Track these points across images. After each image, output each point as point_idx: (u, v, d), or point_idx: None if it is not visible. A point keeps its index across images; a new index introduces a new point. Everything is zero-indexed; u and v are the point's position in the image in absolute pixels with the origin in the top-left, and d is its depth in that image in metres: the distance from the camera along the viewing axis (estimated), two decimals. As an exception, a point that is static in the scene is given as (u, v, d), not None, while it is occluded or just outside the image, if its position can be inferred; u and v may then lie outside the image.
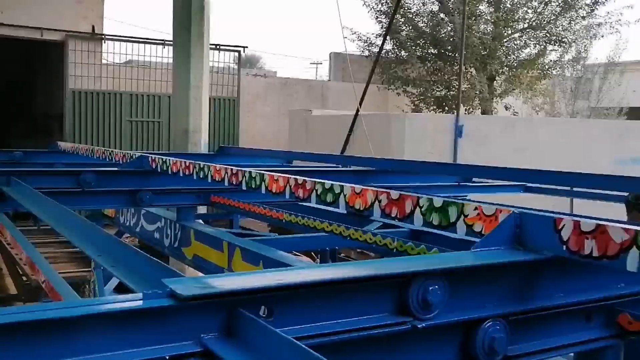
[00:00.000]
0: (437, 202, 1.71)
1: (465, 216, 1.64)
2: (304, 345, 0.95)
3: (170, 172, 3.32)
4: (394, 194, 1.85)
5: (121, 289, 4.94)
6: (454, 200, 1.72)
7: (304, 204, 3.86)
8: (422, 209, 1.74)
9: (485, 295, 1.37)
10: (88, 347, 1.00)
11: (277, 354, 0.97)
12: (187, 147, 7.55)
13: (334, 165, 5.33)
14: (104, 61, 12.35)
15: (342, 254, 7.29)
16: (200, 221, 4.19)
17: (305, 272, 1.23)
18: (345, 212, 3.53)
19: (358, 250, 8.64)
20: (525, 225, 1.47)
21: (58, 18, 11.86)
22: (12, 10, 11.43)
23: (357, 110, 11.46)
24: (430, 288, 1.24)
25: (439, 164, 5.51)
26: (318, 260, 5.24)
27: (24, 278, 7.61)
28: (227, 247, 3.24)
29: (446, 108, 16.44)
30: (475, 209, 1.61)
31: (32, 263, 2.19)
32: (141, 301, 1.02)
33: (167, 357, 1.03)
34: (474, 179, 4.50)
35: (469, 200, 3.48)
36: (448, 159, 10.83)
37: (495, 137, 11.60)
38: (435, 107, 16.71)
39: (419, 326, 1.23)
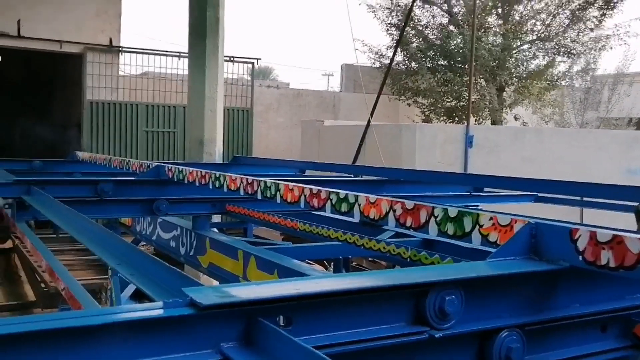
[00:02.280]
0: (452, 212, 1.70)
1: (481, 226, 1.62)
2: (323, 355, 0.94)
3: (186, 182, 3.32)
4: (409, 204, 1.84)
5: (138, 296, 4.94)
6: (468, 210, 1.71)
7: (316, 213, 3.87)
8: (437, 219, 1.73)
9: (501, 305, 1.35)
10: (109, 356, 0.99)
11: (296, 364, 0.96)
12: (202, 157, 7.56)
13: (346, 175, 5.33)
14: (120, 73, 12.43)
15: (353, 263, 7.26)
16: (215, 230, 4.19)
17: (323, 281, 1.22)
18: (357, 221, 3.54)
19: (370, 259, 8.61)
20: (541, 235, 1.45)
21: (77, 31, 11.96)
22: (33, 23, 11.54)
23: (369, 121, 11.46)
24: (447, 298, 1.23)
25: (450, 174, 5.49)
26: (331, 268, 5.23)
27: (42, 285, 7.63)
28: (242, 255, 3.23)
29: (456, 118, 16.41)
30: (490, 219, 1.60)
31: (51, 271, 2.20)
32: (162, 310, 1.01)
33: (188, 366, 1.03)
34: (485, 189, 4.47)
35: (481, 210, 3.45)
36: (458, 168, 10.80)
37: (505, 147, 11.56)
38: (445, 117, 16.68)
39: (436, 336, 1.21)
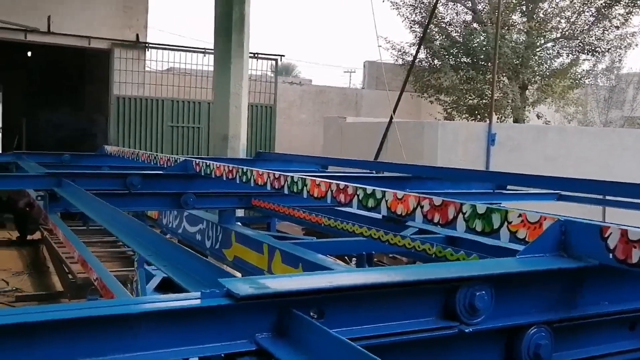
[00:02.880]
0: (481, 208, 1.70)
1: (509, 223, 1.61)
2: (357, 346, 0.95)
3: (213, 176, 3.35)
4: (437, 200, 1.84)
5: (162, 287, 5.00)
6: (497, 207, 1.70)
7: (338, 208, 3.87)
8: (465, 216, 1.73)
9: (530, 301, 1.35)
10: (148, 344, 1.01)
11: (331, 354, 0.97)
12: (226, 152, 7.61)
13: (368, 171, 5.32)
14: (147, 68, 12.55)
15: (375, 259, 7.26)
16: (239, 224, 4.22)
17: (356, 275, 1.23)
18: (381, 217, 3.55)
19: (390, 255, 8.60)
20: (571, 232, 1.44)
21: (105, 27, 12.10)
22: (62, 19, 11.70)
23: (391, 118, 11.43)
24: (477, 294, 1.23)
25: (472, 171, 5.46)
26: (353, 264, 5.23)
27: (70, 276, 7.74)
28: (267, 249, 3.25)
29: (478, 116, 16.30)
30: (519, 215, 1.59)
31: (84, 261, 2.23)
32: (199, 300, 1.03)
33: (223, 355, 1.04)
34: (507, 187, 4.44)
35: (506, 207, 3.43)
36: (480, 166, 10.73)
37: (527, 145, 11.46)
38: (467, 115, 16.58)
39: (466, 331, 1.22)
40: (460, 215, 1.76)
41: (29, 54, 14.89)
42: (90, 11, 12.03)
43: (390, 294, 1.17)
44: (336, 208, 3.86)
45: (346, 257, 5.87)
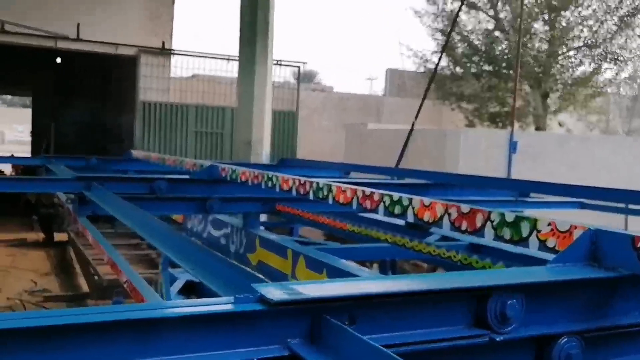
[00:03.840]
0: (509, 216, 1.68)
1: (539, 231, 1.59)
2: (391, 353, 0.93)
3: (239, 181, 3.35)
4: (464, 208, 1.82)
5: (186, 290, 5.02)
6: (526, 215, 1.68)
7: (361, 214, 3.86)
8: (494, 223, 1.71)
9: (561, 311, 1.32)
10: (182, 347, 1.01)
11: (364, 361, 0.96)
12: (250, 157, 7.64)
13: (389, 177, 5.30)
14: (172, 75, 12.66)
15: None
16: (262, 228, 4.23)
17: (387, 282, 1.22)
18: (403, 224, 3.53)
19: (411, 261, 8.55)
20: (602, 242, 1.42)
21: (131, 34, 12.25)
22: (91, 27, 11.86)
23: (413, 125, 11.39)
24: (508, 302, 1.21)
25: (495, 179, 5.41)
26: (374, 270, 5.21)
27: (95, 277, 7.82)
28: (291, 254, 3.25)
29: (500, 124, 16.17)
30: (549, 224, 1.57)
31: (113, 263, 2.25)
32: (233, 305, 1.03)
33: (255, 360, 1.04)
34: (530, 195, 4.40)
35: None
36: (501, 174, 10.63)
37: (550, 153, 11.33)
38: (489, 122, 16.46)
39: (497, 339, 1.20)
40: (489, 223, 1.74)
41: (58, 60, 15.11)
42: (118, 19, 12.19)
43: (421, 302, 1.16)
44: (358, 214, 3.86)
45: (367, 263, 5.85)
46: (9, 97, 47.95)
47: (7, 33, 11.32)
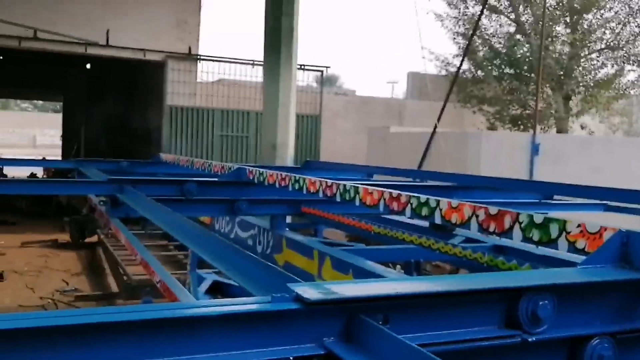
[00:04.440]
0: (538, 218, 1.66)
1: (568, 233, 1.58)
2: (427, 352, 0.93)
3: (266, 183, 3.37)
4: (492, 210, 1.81)
5: (213, 291, 5.05)
6: (555, 217, 1.66)
7: (385, 216, 3.85)
8: (522, 225, 1.69)
9: (592, 312, 1.31)
10: (218, 346, 1.02)
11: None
12: (275, 160, 7.67)
13: (412, 180, 5.28)
14: (198, 79, 12.76)
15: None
16: (287, 230, 4.24)
17: (420, 282, 1.22)
18: (427, 225, 3.51)
19: (434, 263, 8.50)
20: (633, 244, 1.40)
21: (159, 40, 12.37)
22: (119, 32, 12.01)
23: (435, 127, 11.34)
24: (540, 303, 1.21)
25: (519, 181, 5.35)
26: (399, 271, 5.19)
27: (125, 278, 7.90)
28: (317, 255, 3.25)
29: (521, 126, 16.02)
30: (578, 226, 1.55)
31: (146, 264, 2.27)
32: (269, 304, 1.03)
33: (292, 358, 1.04)
34: (554, 197, 4.34)
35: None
36: (524, 177, 10.51)
37: (572, 156, 11.19)
38: (510, 125, 16.31)
39: (529, 340, 1.19)
40: (517, 225, 1.72)
41: (88, 66, 15.33)
42: (146, 25, 12.33)
43: (454, 302, 1.16)
44: (382, 216, 3.85)
45: (390, 264, 5.83)
46: (40, 102, 48.77)
47: (39, 40, 11.51)
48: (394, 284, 1.14)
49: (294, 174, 3.14)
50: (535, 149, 10.90)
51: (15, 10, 11.26)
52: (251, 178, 3.57)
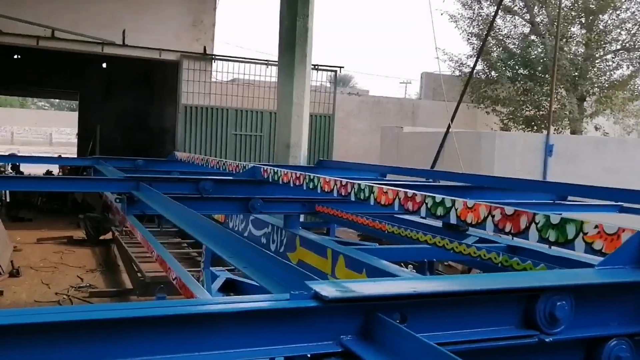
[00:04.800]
0: (554, 219, 1.65)
1: (585, 234, 1.56)
2: (445, 351, 0.93)
3: (280, 182, 3.37)
4: (509, 210, 1.80)
5: (226, 288, 5.07)
6: (572, 217, 1.65)
7: (398, 216, 3.84)
8: (538, 226, 1.68)
9: (610, 313, 1.30)
10: (235, 342, 1.02)
11: (418, 359, 0.96)
12: (288, 159, 7.67)
13: (425, 180, 5.26)
14: (212, 79, 12.80)
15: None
16: (300, 228, 4.24)
17: (438, 282, 1.21)
18: (440, 225, 3.50)
19: (446, 263, 8.47)
20: (651, 245, 1.38)
21: (174, 40, 12.43)
22: (135, 32, 12.09)
23: (448, 127, 11.29)
24: (558, 303, 1.20)
25: (533, 182, 5.32)
26: (412, 271, 5.18)
27: (139, 274, 7.95)
28: (330, 254, 3.25)
29: (535, 127, 15.92)
30: (596, 227, 1.54)
31: (162, 261, 2.28)
32: (288, 301, 1.04)
33: (309, 356, 1.04)
34: (568, 198, 4.31)
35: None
36: (537, 177, 10.45)
37: (586, 156, 11.11)
38: (524, 126, 16.22)
39: (546, 340, 1.18)
40: (533, 225, 1.71)
41: (104, 65, 15.43)
42: (161, 25, 12.39)
43: (471, 302, 1.16)
44: (395, 215, 3.84)
45: (402, 264, 5.82)
46: (57, 101, 49.19)
47: (57, 39, 11.61)
48: (411, 282, 1.13)
49: (309, 173, 3.14)
50: (548, 150, 10.83)
51: (37, 11, 11.36)
52: (266, 177, 3.57)
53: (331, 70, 13.26)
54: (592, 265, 2.10)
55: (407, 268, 5.41)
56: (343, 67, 13.71)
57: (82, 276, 8.92)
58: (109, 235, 11.08)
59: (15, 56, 14.68)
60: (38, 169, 16.46)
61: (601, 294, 1.29)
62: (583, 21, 15.97)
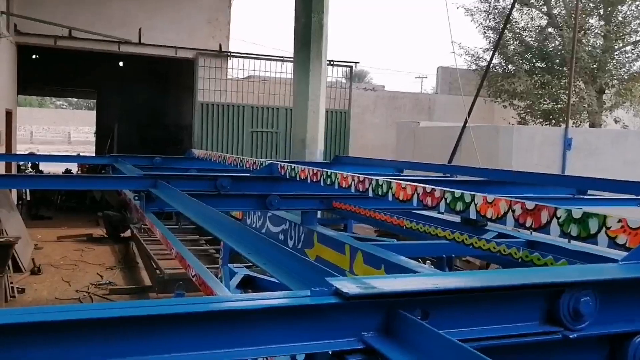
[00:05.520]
0: (576, 213, 1.63)
1: (608, 228, 1.54)
2: (469, 347, 0.92)
3: (298, 179, 3.37)
4: (529, 204, 1.78)
5: (244, 285, 5.08)
6: (594, 212, 1.63)
7: (415, 211, 3.82)
8: (560, 220, 1.66)
9: (636, 309, 1.28)
10: (256, 340, 1.02)
11: (441, 355, 0.95)
12: (305, 156, 7.67)
13: (442, 174, 5.23)
14: (228, 76, 12.83)
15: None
16: (317, 224, 4.24)
17: (460, 277, 1.20)
18: (459, 220, 3.47)
19: (464, 258, 8.42)
20: (677, 239, 1.36)
21: (190, 38, 12.48)
22: (151, 31, 12.15)
23: (465, 122, 11.22)
24: (582, 299, 1.18)
25: (552, 176, 5.25)
26: (430, 267, 5.15)
27: (157, 272, 8.00)
28: (349, 250, 3.24)
29: (553, 121, 15.77)
30: (619, 221, 1.52)
31: (182, 258, 2.29)
32: (309, 298, 1.03)
33: (330, 353, 1.04)
34: (588, 192, 4.26)
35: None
36: (556, 171, 10.35)
37: (605, 150, 10.98)
38: (541, 120, 16.06)
39: (570, 336, 1.17)
40: (555, 220, 1.69)
41: (121, 64, 15.54)
42: (177, 24, 12.45)
43: (493, 297, 1.14)
44: (413, 211, 3.82)
45: (420, 259, 5.79)
46: (75, 100, 49.66)
47: (74, 39, 11.71)
48: (433, 278, 1.12)
49: (326, 169, 3.13)
50: (567, 144, 10.72)
51: (54, 11, 11.47)
52: (283, 173, 3.57)
53: (346, 66, 13.23)
54: (614, 259, 2.07)
55: (424, 264, 5.38)
56: (358, 63, 13.69)
57: (102, 273, 9.01)
58: (127, 233, 11.18)
59: (34, 56, 14.83)
60: (57, 168, 16.66)
61: (626, 289, 1.27)
62: (601, 12, 15.77)
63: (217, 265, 6.27)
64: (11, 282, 7.58)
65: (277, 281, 1.59)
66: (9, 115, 11.64)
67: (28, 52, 13.81)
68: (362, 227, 7.99)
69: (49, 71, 17.56)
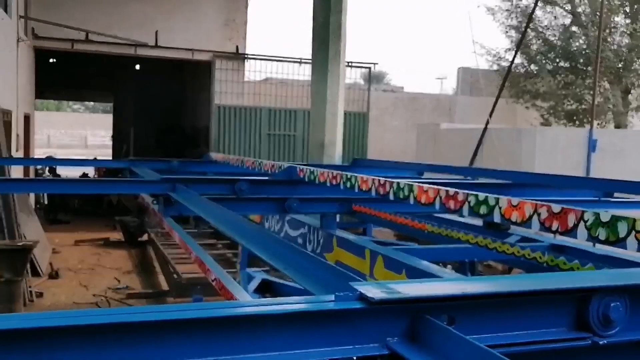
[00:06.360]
0: (605, 216, 1.61)
1: (637, 232, 1.52)
2: (497, 353, 0.92)
3: (317, 182, 3.38)
4: (555, 208, 1.76)
5: (262, 289, 5.10)
6: (623, 215, 1.61)
7: (437, 215, 3.80)
8: (587, 224, 1.65)
9: (667, 315, 1.26)
10: (280, 344, 1.02)
11: (468, 362, 0.94)
12: (323, 158, 7.68)
13: (463, 177, 5.20)
14: (245, 79, 12.89)
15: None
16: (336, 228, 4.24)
17: (487, 283, 1.20)
18: (481, 224, 3.45)
19: (485, 263, 8.36)
20: None
21: (207, 40, 12.56)
22: (168, 33, 12.26)
23: (487, 124, 11.15)
24: (612, 304, 1.17)
25: (577, 178, 5.22)
26: (450, 271, 5.12)
27: (175, 276, 8.05)
28: (369, 254, 3.24)
29: (577, 122, 15.59)
30: (649, 224, 1.50)
31: (201, 262, 2.31)
32: (333, 303, 1.03)
33: (355, 358, 1.04)
34: (614, 195, 4.21)
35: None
36: (580, 174, 10.24)
37: (632, 151, 10.84)
38: (565, 121, 15.89)
39: (600, 343, 1.16)
40: (582, 224, 1.68)
41: (137, 66, 15.69)
42: (194, 26, 12.54)
43: (520, 303, 1.14)
44: (434, 214, 3.81)
45: (440, 264, 5.76)
46: (91, 103, 50.19)
47: (91, 42, 11.85)
48: (459, 283, 1.12)
49: (346, 172, 3.13)
50: (592, 145, 10.60)
51: (71, 15, 11.62)
52: (302, 177, 3.58)
53: (365, 67, 13.23)
54: (642, 264, 2.05)
55: (446, 268, 5.35)
56: (377, 64, 13.67)
57: (119, 277, 9.09)
58: (144, 237, 11.27)
59: (51, 60, 15.03)
60: (74, 172, 16.84)
61: (658, 295, 1.25)
62: (627, 10, 15.57)
63: (235, 270, 6.30)
64: (29, 286, 7.68)
65: (295, 285, 1.60)
66: (27, 119, 11.81)
67: (45, 56, 14.01)
68: (381, 230, 7.98)
69: (66, 75, 17.79)
